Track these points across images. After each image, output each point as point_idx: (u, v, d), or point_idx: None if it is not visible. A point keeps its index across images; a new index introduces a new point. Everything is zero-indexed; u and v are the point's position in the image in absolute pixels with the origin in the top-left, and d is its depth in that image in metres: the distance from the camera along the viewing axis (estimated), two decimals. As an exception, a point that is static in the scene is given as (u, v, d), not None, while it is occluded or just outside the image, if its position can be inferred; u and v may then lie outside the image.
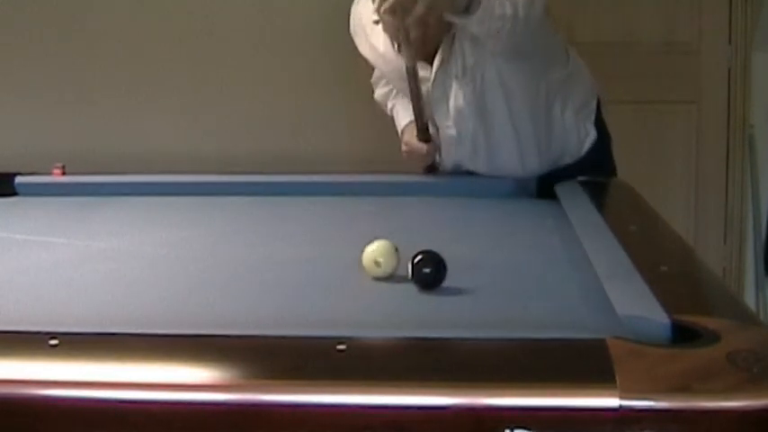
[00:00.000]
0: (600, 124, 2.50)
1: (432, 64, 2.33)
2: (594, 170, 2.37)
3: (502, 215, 2.14)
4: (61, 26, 3.70)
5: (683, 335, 1.14)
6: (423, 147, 2.42)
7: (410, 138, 2.45)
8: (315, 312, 1.38)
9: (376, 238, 1.56)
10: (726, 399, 0.97)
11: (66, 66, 3.72)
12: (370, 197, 2.28)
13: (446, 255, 1.48)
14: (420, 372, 1.06)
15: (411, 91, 2.32)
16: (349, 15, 2.53)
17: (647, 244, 1.68)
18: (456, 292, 1.46)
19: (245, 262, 1.72)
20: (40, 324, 1.19)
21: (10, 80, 3.75)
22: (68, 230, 2.01)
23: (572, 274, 1.55)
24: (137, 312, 1.37)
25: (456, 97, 2.33)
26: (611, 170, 2.52)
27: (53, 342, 1.11)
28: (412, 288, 1.48)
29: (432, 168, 2.53)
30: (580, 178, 2.26)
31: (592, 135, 2.46)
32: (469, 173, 2.46)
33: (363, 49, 2.50)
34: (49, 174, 2.47)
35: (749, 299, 3.54)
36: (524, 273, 1.60)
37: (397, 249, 1.54)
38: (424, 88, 2.33)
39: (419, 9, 2.09)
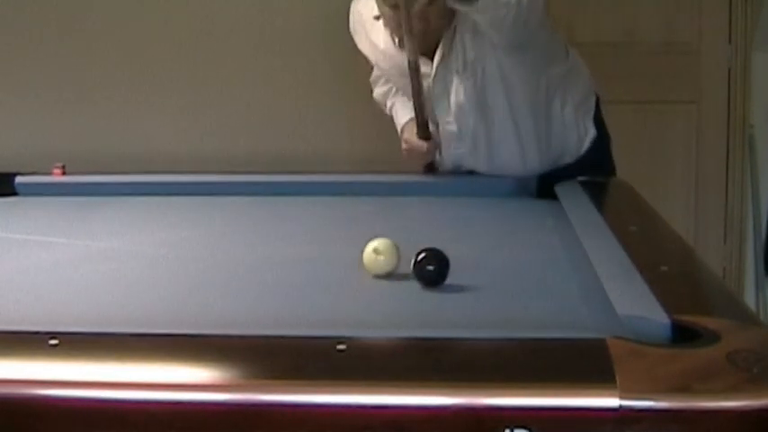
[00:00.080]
0: (599, 123, 2.50)
1: (432, 59, 2.33)
2: (594, 170, 2.38)
3: (502, 215, 2.14)
4: (61, 26, 3.70)
5: (683, 335, 1.14)
6: (423, 144, 2.41)
7: (410, 136, 2.45)
8: (315, 312, 1.38)
9: (376, 236, 1.56)
10: (726, 399, 0.97)
11: (66, 66, 3.72)
12: (370, 197, 2.28)
13: (446, 254, 1.48)
14: (420, 372, 1.06)
15: (412, 86, 2.32)
16: (348, 15, 2.53)
17: (647, 244, 1.68)
18: (456, 291, 1.46)
19: (245, 262, 1.72)
20: (40, 324, 1.19)
21: (10, 80, 3.74)
22: (68, 230, 2.01)
23: (572, 274, 1.55)
24: (137, 312, 1.37)
25: (457, 92, 2.33)
26: (610, 170, 2.52)
27: (53, 342, 1.11)
28: (412, 288, 1.48)
29: (431, 167, 2.53)
30: (580, 178, 2.26)
31: (591, 133, 2.46)
32: (470, 173, 2.46)
33: (363, 47, 2.50)
34: (49, 174, 2.47)
35: (749, 299, 3.54)
36: (524, 273, 1.60)
37: (397, 247, 1.55)
38: (425, 84, 2.34)
39: (422, 0, 2.09)
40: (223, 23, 3.70)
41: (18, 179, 2.45)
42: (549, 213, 2.04)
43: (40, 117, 3.73)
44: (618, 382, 0.98)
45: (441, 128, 2.42)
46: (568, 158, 2.46)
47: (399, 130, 2.54)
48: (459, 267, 1.50)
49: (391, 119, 2.62)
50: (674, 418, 0.96)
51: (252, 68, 3.71)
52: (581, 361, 1.06)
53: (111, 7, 3.71)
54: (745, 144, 3.63)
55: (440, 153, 2.48)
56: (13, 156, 3.20)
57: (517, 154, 2.39)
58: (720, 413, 0.97)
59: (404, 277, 1.53)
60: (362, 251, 1.56)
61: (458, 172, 2.48)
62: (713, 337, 1.09)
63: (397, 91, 2.57)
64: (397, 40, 2.36)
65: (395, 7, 2.20)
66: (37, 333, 1.15)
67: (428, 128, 2.41)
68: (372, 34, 2.44)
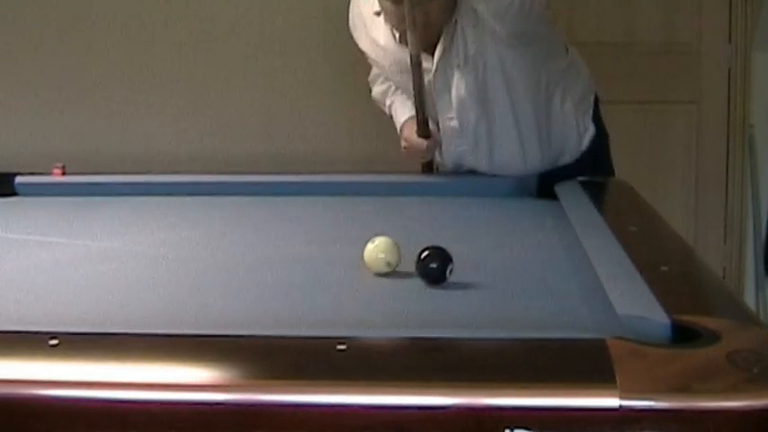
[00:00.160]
0: (598, 122, 2.51)
1: (433, 55, 2.33)
2: (594, 169, 2.38)
3: (502, 215, 2.14)
4: (61, 26, 3.70)
5: (683, 335, 1.14)
6: (422, 142, 2.42)
7: (410, 133, 2.45)
8: (315, 312, 1.38)
9: (377, 235, 1.57)
10: (726, 399, 0.97)
11: (66, 66, 3.72)
12: (370, 197, 2.28)
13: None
14: (420, 372, 1.06)
15: (414, 82, 2.32)
16: (348, 14, 2.53)
17: (647, 244, 1.68)
18: (456, 291, 1.46)
19: (245, 262, 1.72)
20: (40, 324, 1.19)
21: (10, 80, 3.74)
22: (68, 230, 2.01)
23: (572, 275, 1.55)
24: (137, 312, 1.37)
25: (458, 87, 2.33)
26: (609, 169, 2.52)
27: (53, 342, 1.11)
28: (412, 288, 1.49)
29: (429, 166, 2.53)
30: (580, 178, 2.26)
31: (591, 130, 2.47)
32: (470, 173, 2.46)
33: (363, 44, 2.50)
34: (49, 174, 2.47)
35: (749, 299, 3.54)
36: (524, 273, 1.60)
37: (398, 245, 1.55)
38: (426, 79, 2.34)
39: None
40: (223, 24, 3.70)
41: (18, 179, 2.45)
42: (549, 213, 2.04)
43: (40, 117, 3.73)
44: (618, 382, 0.98)
45: (441, 125, 2.42)
46: (568, 157, 2.46)
47: (399, 128, 2.53)
48: (460, 267, 1.50)
49: (390, 118, 2.61)
50: (674, 418, 0.96)
51: (252, 69, 3.71)
52: (581, 361, 1.06)
53: (112, 7, 3.71)
54: (745, 144, 3.63)
55: (440, 152, 2.48)
56: (13, 156, 3.20)
57: (518, 150, 2.39)
58: (720, 413, 0.97)
59: (404, 277, 1.53)
60: (363, 250, 1.56)
61: (458, 172, 2.48)
62: (713, 337, 1.09)
63: (396, 89, 2.57)
64: (397, 35, 2.37)
65: (397, 2, 2.20)
66: (37, 333, 1.15)
67: (428, 126, 2.41)
68: (372, 31, 2.44)
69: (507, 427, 0.96)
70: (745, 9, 3.59)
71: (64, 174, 2.47)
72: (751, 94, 3.61)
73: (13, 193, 2.43)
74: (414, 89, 2.34)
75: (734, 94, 3.63)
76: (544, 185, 2.29)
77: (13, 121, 3.74)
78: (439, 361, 1.08)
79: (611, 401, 0.96)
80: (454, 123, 2.39)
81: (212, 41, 3.70)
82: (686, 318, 1.17)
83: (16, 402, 1.04)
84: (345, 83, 3.44)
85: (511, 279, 1.56)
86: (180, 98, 3.72)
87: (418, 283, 1.50)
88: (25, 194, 2.42)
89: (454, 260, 1.49)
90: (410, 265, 1.53)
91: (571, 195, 2.10)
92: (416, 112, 2.39)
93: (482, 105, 2.34)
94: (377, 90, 2.65)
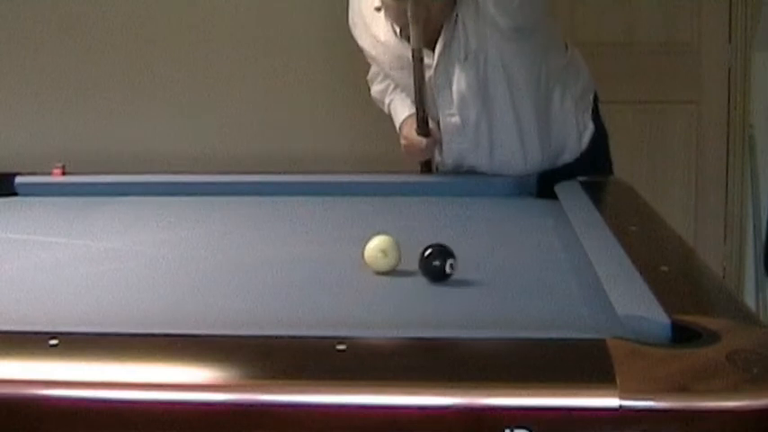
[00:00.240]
0: (597, 120, 2.51)
1: (433, 50, 2.33)
2: (593, 167, 2.38)
3: (502, 215, 2.14)
4: (61, 26, 3.70)
5: (683, 335, 1.14)
6: (422, 140, 2.42)
7: (409, 131, 2.45)
8: (315, 312, 1.38)
9: (377, 234, 1.57)
10: (726, 399, 0.97)
11: (66, 66, 3.72)
12: (370, 197, 2.28)
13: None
14: (420, 372, 1.06)
15: (414, 77, 2.32)
16: (347, 12, 2.53)
17: (647, 244, 1.68)
18: (456, 291, 1.46)
19: (245, 262, 1.72)
20: (40, 324, 1.19)
21: (10, 80, 3.75)
22: (68, 230, 2.01)
23: (572, 275, 1.55)
24: (137, 312, 1.37)
25: (459, 82, 2.33)
26: (608, 168, 2.52)
27: (53, 342, 1.11)
28: (411, 288, 1.49)
29: (428, 165, 2.53)
30: (580, 178, 2.26)
31: (590, 128, 2.47)
32: (470, 172, 2.46)
33: (363, 41, 2.49)
34: (49, 174, 2.47)
35: (749, 299, 3.54)
36: (524, 273, 1.60)
37: (398, 244, 1.55)
38: (427, 75, 2.34)
39: None
40: (223, 24, 3.71)
41: (18, 179, 2.45)
42: (549, 213, 2.04)
43: (40, 117, 3.73)
44: (618, 383, 0.98)
45: (442, 122, 2.41)
46: (568, 156, 2.46)
47: (398, 127, 2.53)
48: (460, 267, 1.50)
49: (390, 117, 2.61)
50: (674, 418, 0.96)
51: (252, 68, 3.71)
52: (581, 361, 1.06)
53: (112, 7, 3.71)
54: (745, 144, 3.63)
55: (440, 151, 2.48)
56: (13, 156, 3.20)
57: (518, 148, 2.39)
58: (720, 413, 0.97)
59: (404, 277, 1.53)
60: (363, 250, 1.56)
61: (458, 172, 2.48)
62: (713, 338, 1.09)
63: (395, 88, 2.57)
64: (398, 30, 2.37)
65: None
66: (37, 333, 1.15)
67: (428, 124, 2.41)
68: (372, 27, 2.44)
69: (507, 427, 0.96)
70: (745, 9, 3.59)
71: (64, 174, 2.47)
72: (751, 94, 3.61)
73: (13, 193, 2.43)
74: (414, 85, 2.34)
75: (734, 94, 3.63)
76: (544, 185, 2.29)
77: (13, 121, 3.74)
78: (439, 361, 1.08)
79: (611, 401, 0.96)
80: (455, 120, 2.39)
81: (212, 41, 3.70)
82: (686, 318, 1.17)
83: (16, 402, 1.04)
84: (345, 83, 3.43)
85: (511, 279, 1.56)
86: (180, 98, 3.72)
87: (418, 282, 1.50)
88: (25, 194, 2.42)
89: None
90: (410, 265, 1.54)
91: (571, 195, 2.10)
92: (416, 109, 2.39)
93: (483, 101, 2.34)
94: (376, 89, 2.65)
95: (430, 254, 1.50)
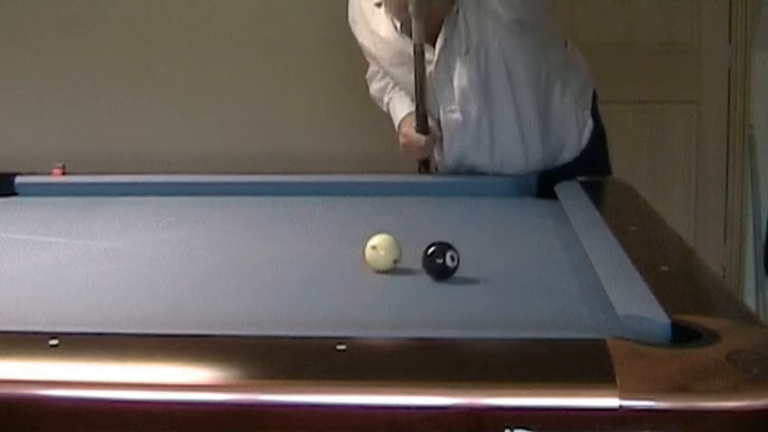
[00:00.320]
0: (596, 118, 2.51)
1: (434, 45, 2.33)
2: (593, 167, 2.38)
3: (502, 215, 2.14)
4: (61, 26, 3.70)
5: (682, 335, 1.14)
6: (421, 138, 2.42)
7: (408, 129, 2.45)
8: (315, 312, 1.38)
9: (378, 233, 1.57)
10: (726, 399, 0.97)
11: (66, 66, 3.72)
12: (369, 197, 2.28)
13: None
14: (420, 372, 1.06)
15: (415, 73, 2.33)
16: (347, 12, 2.53)
17: (647, 244, 1.68)
18: (456, 291, 1.47)
19: (245, 262, 1.72)
20: (40, 324, 1.19)
21: (10, 80, 3.75)
22: (68, 230, 2.01)
23: (572, 275, 1.55)
24: (137, 312, 1.37)
25: (460, 77, 2.33)
26: (607, 168, 2.53)
27: (53, 342, 1.11)
28: (411, 288, 1.49)
29: (427, 164, 2.53)
30: (580, 178, 2.26)
31: (590, 125, 2.47)
32: (470, 173, 2.46)
33: (363, 38, 2.49)
34: (49, 174, 2.47)
35: (749, 299, 3.54)
36: (524, 273, 1.60)
37: (398, 243, 1.56)
38: (427, 71, 2.34)
39: None
40: (223, 24, 3.71)
41: (18, 179, 2.45)
42: (549, 213, 2.04)
43: (40, 117, 3.73)
44: (618, 383, 0.98)
45: (443, 118, 2.41)
46: (567, 154, 2.46)
47: (397, 125, 2.53)
48: (460, 267, 1.50)
49: (389, 116, 2.61)
50: (674, 418, 0.96)
51: (252, 68, 3.71)
52: (581, 361, 1.06)
53: (112, 7, 3.71)
54: (745, 144, 3.63)
55: (439, 150, 2.48)
56: (13, 156, 3.19)
57: (519, 145, 2.39)
58: (720, 413, 0.97)
59: (404, 276, 1.54)
60: (364, 248, 1.57)
61: (458, 172, 2.48)
62: (713, 337, 1.09)
63: (394, 86, 2.57)
64: (398, 25, 2.37)
65: None
66: (37, 333, 1.14)
67: (427, 121, 2.41)
68: (372, 24, 2.44)
69: (507, 427, 0.96)
70: (745, 9, 3.60)
71: (64, 174, 2.47)
72: (751, 94, 3.61)
73: (13, 193, 2.43)
74: (415, 81, 2.35)
75: (734, 94, 3.63)
76: (544, 185, 2.29)
77: (13, 121, 3.74)
78: (439, 361, 1.08)
79: (611, 401, 0.96)
80: (456, 116, 2.39)
81: (212, 42, 3.70)
82: (686, 318, 1.17)
83: (16, 402, 1.04)
84: (345, 83, 3.43)
85: (511, 279, 1.56)
86: (180, 98, 3.73)
87: (418, 282, 1.51)
88: (25, 194, 2.42)
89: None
90: (410, 264, 1.54)
91: (571, 195, 2.10)
92: (416, 105, 2.39)
93: (484, 97, 2.34)
94: (375, 87, 2.65)
95: (432, 252, 1.50)
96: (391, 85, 2.57)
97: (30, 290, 1.53)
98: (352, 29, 2.51)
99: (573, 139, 2.46)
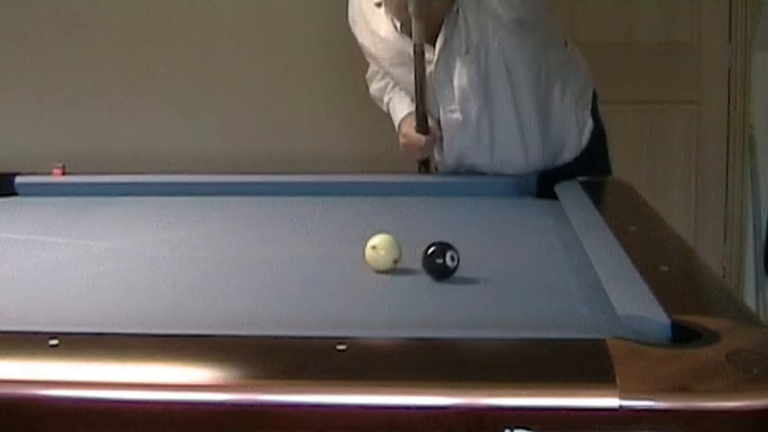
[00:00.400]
0: (596, 118, 2.51)
1: (434, 45, 2.33)
2: (592, 167, 2.38)
3: (502, 215, 2.14)
4: (61, 26, 3.70)
5: (682, 335, 1.14)
6: (421, 138, 2.42)
7: (408, 129, 2.45)
8: (315, 312, 1.38)
9: (378, 233, 1.57)
10: (726, 399, 0.97)
11: (66, 66, 3.72)
12: (369, 197, 2.28)
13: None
14: (420, 372, 1.06)
15: (416, 73, 2.33)
16: (347, 12, 2.53)
17: (647, 244, 1.68)
18: (456, 291, 1.46)
19: (245, 262, 1.72)
20: (40, 324, 1.19)
21: (10, 80, 3.75)
22: (68, 230, 2.01)
23: (572, 275, 1.55)
24: (137, 312, 1.37)
25: (460, 77, 2.33)
26: (607, 168, 2.53)
27: (53, 342, 1.11)
28: (412, 288, 1.49)
29: (426, 163, 2.53)
30: (580, 178, 2.26)
31: (590, 124, 2.47)
32: (470, 172, 2.46)
33: (363, 38, 2.49)
34: (49, 174, 2.47)
35: (749, 299, 3.54)
36: (524, 273, 1.60)
37: (398, 243, 1.56)
38: (427, 71, 2.34)
39: None
40: (223, 24, 3.71)
41: (18, 179, 2.45)
42: (549, 213, 2.04)
43: (40, 117, 3.73)
44: (618, 383, 0.98)
45: (443, 118, 2.41)
46: (567, 154, 2.46)
47: (397, 125, 2.53)
48: (460, 267, 1.50)
49: (389, 116, 2.61)
50: (674, 418, 0.96)
51: (251, 68, 3.71)
52: (581, 361, 1.06)
53: (112, 7, 3.71)
54: (745, 144, 3.63)
55: (439, 150, 2.48)
56: (13, 156, 3.19)
57: (519, 144, 2.39)
58: (720, 413, 0.97)
59: (404, 276, 1.54)
60: (364, 248, 1.57)
61: (458, 172, 2.48)
62: (713, 337, 1.09)
63: (394, 86, 2.57)
64: (398, 24, 2.37)
65: None
66: (37, 333, 1.14)
67: (427, 121, 2.41)
68: (372, 24, 2.44)
69: (507, 427, 0.96)
70: (745, 9, 3.60)
71: (64, 174, 2.47)
72: (751, 94, 3.61)
73: (13, 193, 2.43)
74: (415, 81, 2.35)
75: (734, 94, 3.63)
76: (544, 185, 2.29)
77: (13, 121, 3.74)
78: (439, 361, 1.08)
79: (611, 401, 0.96)
80: (456, 116, 2.39)
81: (212, 42, 3.70)
82: (686, 318, 1.17)
83: (16, 402, 1.04)
84: (345, 83, 3.43)
85: (511, 279, 1.56)
86: (180, 98, 3.72)
87: (418, 282, 1.51)
88: (25, 194, 2.42)
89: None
90: (410, 264, 1.54)
91: (571, 195, 2.10)
92: (416, 105, 2.39)
93: (484, 96, 2.34)
94: (375, 87, 2.65)
95: (432, 252, 1.50)
96: (391, 85, 2.57)
97: (30, 290, 1.53)
98: (352, 29, 2.51)
99: (573, 139, 2.46)
